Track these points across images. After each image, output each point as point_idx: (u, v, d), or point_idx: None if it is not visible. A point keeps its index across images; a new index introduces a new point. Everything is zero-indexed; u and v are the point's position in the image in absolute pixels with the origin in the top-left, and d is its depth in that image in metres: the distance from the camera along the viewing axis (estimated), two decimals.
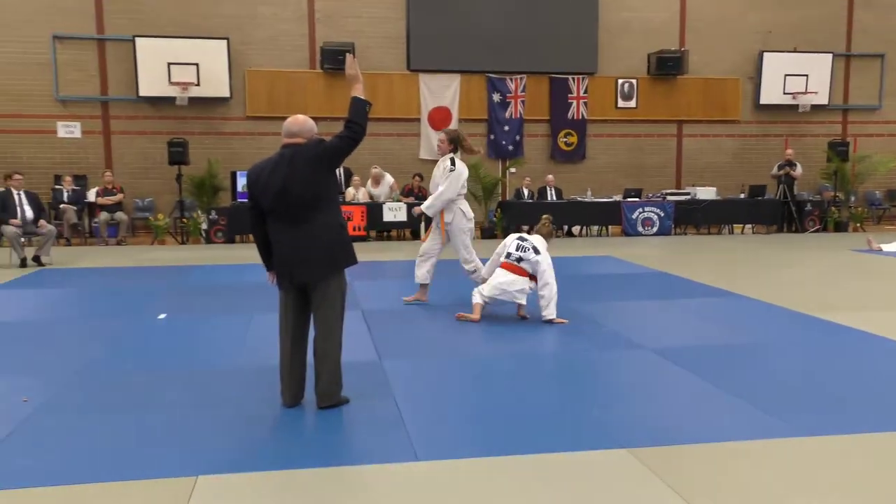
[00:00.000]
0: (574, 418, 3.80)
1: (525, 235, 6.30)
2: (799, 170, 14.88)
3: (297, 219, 3.81)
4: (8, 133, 14.23)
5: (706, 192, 14.73)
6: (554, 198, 14.39)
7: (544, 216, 6.51)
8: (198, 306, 6.88)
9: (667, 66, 15.97)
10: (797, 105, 16.80)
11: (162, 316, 6.43)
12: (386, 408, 3.96)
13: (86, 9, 14.26)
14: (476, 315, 6.18)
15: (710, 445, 3.42)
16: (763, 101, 16.75)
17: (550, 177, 14.76)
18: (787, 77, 16.59)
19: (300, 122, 3.92)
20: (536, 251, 6.09)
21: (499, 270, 6.21)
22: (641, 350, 5.21)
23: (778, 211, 14.77)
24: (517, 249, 6.16)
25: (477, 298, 6.22)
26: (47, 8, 14.11)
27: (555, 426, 3.68)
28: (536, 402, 4.10)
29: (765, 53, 16.55)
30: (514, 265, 6.12)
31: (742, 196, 15.17)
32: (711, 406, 4.01)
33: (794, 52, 16.65)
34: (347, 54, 4.18)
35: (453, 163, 6.80)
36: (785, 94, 16.69)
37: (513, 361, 4.94)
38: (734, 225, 15.09)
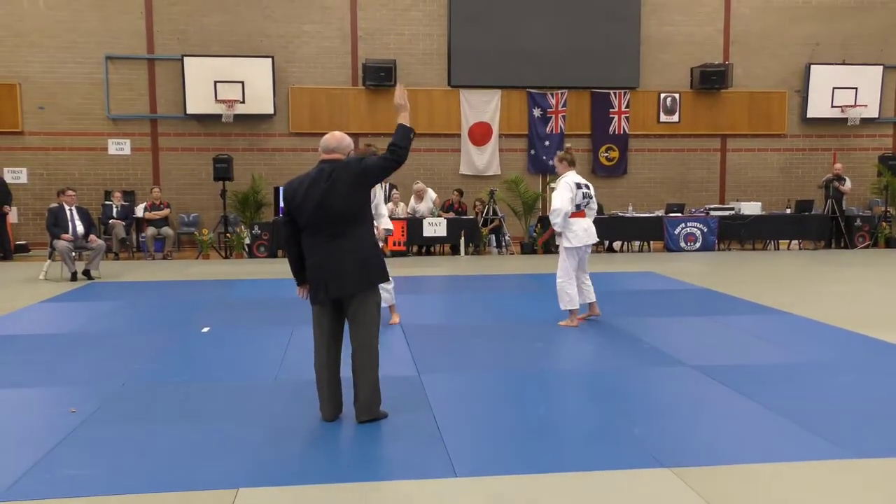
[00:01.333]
0: (615, 436, 3.75)
1: (579, 180, 6.66)
2: (848, 184, 14.52)
3: (335, 233, 3.86)
4: (63, 150, 14.70)
5: (751, 208, 14.47)
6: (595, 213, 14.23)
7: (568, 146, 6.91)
8: (240, 320, 6.98)
9: (710, 80, 15.77)
10: (846, 118, 16.41)
11: (206, 329, 6.54)
12: (424, 423, 3.95)
13: (137, 30, 14.69)
14: (575, 321, 6.57)
15: (756, 466, 3.33)
16: (810, 114, 16.41)
17: None
18: (836, 90, 16.23)
19: (338, 139, 3.99)
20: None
21: (577, 220, 6.59)
22: (683, 367, 5.12)
23: (826, 226, 14.42)
24: (583, 198, 6.64)
25: (574, 302, 6.52)
26: (101, 30, 14.58)
27: (596, 444, 3.64)
28: (577, 418, 4.06)
29: (812, 66, 16.23)
30: (583, 211, 6.65)
31: (788, 211, 14.86)
32: (757, 426, 3.91)
33: (843, 64, 16.29)
34: (398, 84, 4.22)
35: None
36: (833, 107, 16.32)
37: (553, 377, 4.90)
38: (780, 241, 14.77)
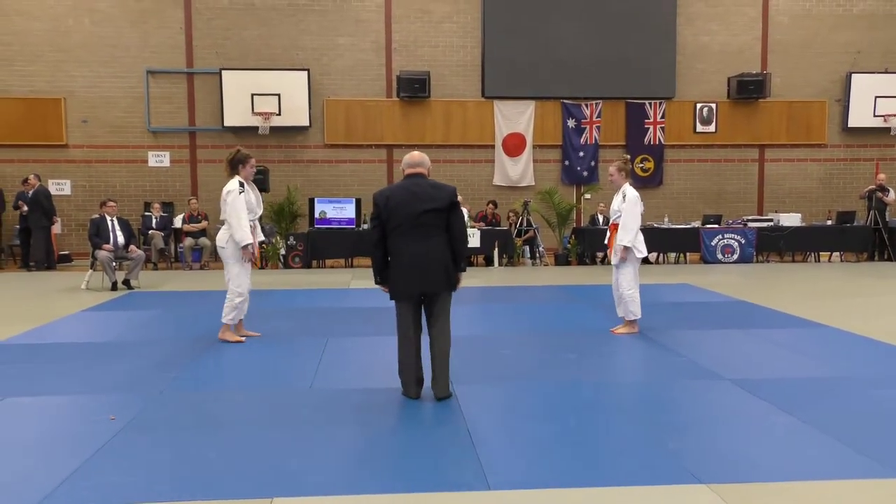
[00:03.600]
0: (650, 450, 3.70)
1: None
2: (892, 195, 14.19)
3: (428, 236, 4.52)
4: (105, 163, 15.06)
5: (790, 219, 14.23)
6: None
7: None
8: (275, 329, 7.05)
9: (748, 90, 15.58)
10: (889, 128, 16.06)
11: (242, 339, 6.62)
12: (458, 435, 3.95)
13: (177, 44, 15.02)
14: (636, 328, 6.73)
15: (795, 484, 3.26)
16: (851, 123, 16.10)
17: None
18: (878, 99, 15.91)
19: (420, 156, 4.72)
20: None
21: (639, 233, 6.70)
22: (720, 381, 5.04)
23: (868, 238, 14.11)
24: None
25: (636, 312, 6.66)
26: (142, 45, 14.93)
27: (631, 458, 3.60)
28: (611, 432, 4.02)
29: (853, 75, 15.94)
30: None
31: (829, 222, 14.58)
32: (796, 441, 3.83)
33: (886, 72, 15.97)
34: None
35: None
36: (875, 116, 16.00)
37: (588, 390, 4.86)
38: (821, 252, 14.48)
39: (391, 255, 4.60)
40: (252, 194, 6.47)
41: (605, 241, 7.04)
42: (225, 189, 6.36)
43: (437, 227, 4.54)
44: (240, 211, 6.27)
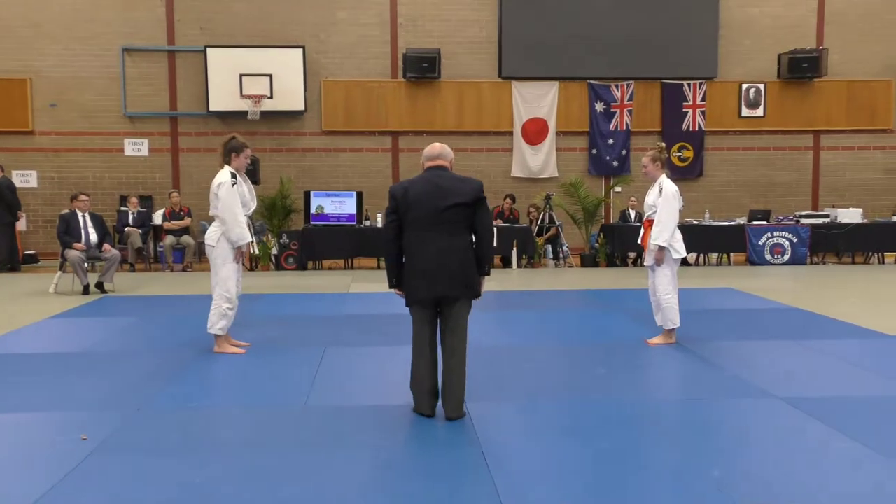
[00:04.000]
0: (690, 478, 3.68)
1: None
2: None
3: (448, 233, 4.58)
4: (76, 151, 15.16)
5: (850, 214, 14.15)
6: None
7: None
8: (266, 339, 7.07)
9: (801, 68, 15.49)
10: None
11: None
12: (471, 457, 3.94)
13: (157, 19, 15.10)
14: (674, 339, 6.72)
15: None
16: None
17: None
18: None
19: (441, 147, 4.80)
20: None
21: (677, 231, 6.69)
22: (770, 399, 5.01)
23: None
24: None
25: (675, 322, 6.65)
26: (118, 20, 15.02)
27: (667, 486, 3.58)
28: (647, 456, 4.00)
29: None
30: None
31: (895, 219, 14.47)
32: (860, 469, 3.80)
33: None
34: None
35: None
36: None
37: (617, 408, 4.84)
38: (885, 253, 14.39)
39: (406, 255, 4.66)
40: (245, 186, 6.49)
41: (639, 240, 7.00)
42: (215, 181, 6.37)
43: (460, 224, 4.60)
44: (234, 205, 6.28)
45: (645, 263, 6.87)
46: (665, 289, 6.65)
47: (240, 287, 6.60)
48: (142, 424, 4.58)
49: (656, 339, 6.80)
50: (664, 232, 6.53)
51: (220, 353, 6.44)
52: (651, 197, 6.73)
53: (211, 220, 6.49)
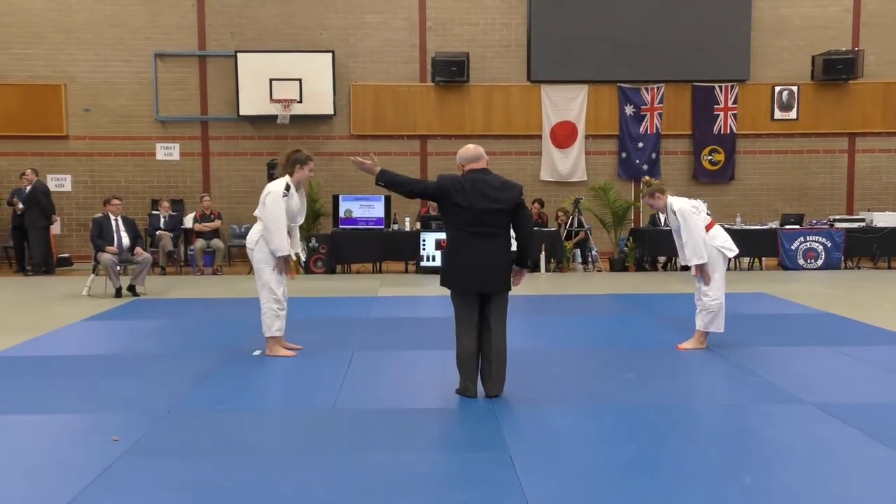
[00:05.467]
0: (721, 485, 3.65)
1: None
2: None
3: (489, 236, 4.97)
4: (108, 156, 15.38)
5: (886, 218, 13.94)
6: None
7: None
8: (295, 342, 7.11)
9: (836, 70, 15.29)
10: None
11: (257, 352, 6.69)
12: (499, 463, 3.93)
13: (188, 25, 15.28)
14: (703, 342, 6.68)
15: None
16: None
17: None
18: None
19: (477, 149, 5.12)
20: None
21: (719, 229, 6.71)
22: (803, 405, 4.95)
23: None
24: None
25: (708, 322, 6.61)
26: (150, 26, 15.23)
27: (699, 494, 3.55)
28: (675, 462, 3.97)
29: None
30: None
31: None
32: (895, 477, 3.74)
33: None
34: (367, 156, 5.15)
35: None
36: None
37: (650, 414, 4.81)
38: None
39: (451, 250, 5.11)
40: (296, 199, 6.55)
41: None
42: (266, 188, 6.44)
43: (500, 226, 5.01)
44: (279, 217, 6.32)
45: (696, 283, 6.74)
46: (717, 294, 6.53)
47: (286, 289, 6.65)
48: (173, 426, 4.63)
49: (687, 344, 6.74)
50: (697, 248, 6.41)
51: (272, 356, 6.49)
52: (673, 224, 6.61)
53: (247, 222, 6.57)
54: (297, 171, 6.48)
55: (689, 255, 6.45)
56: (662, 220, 13.93)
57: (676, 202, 6.56)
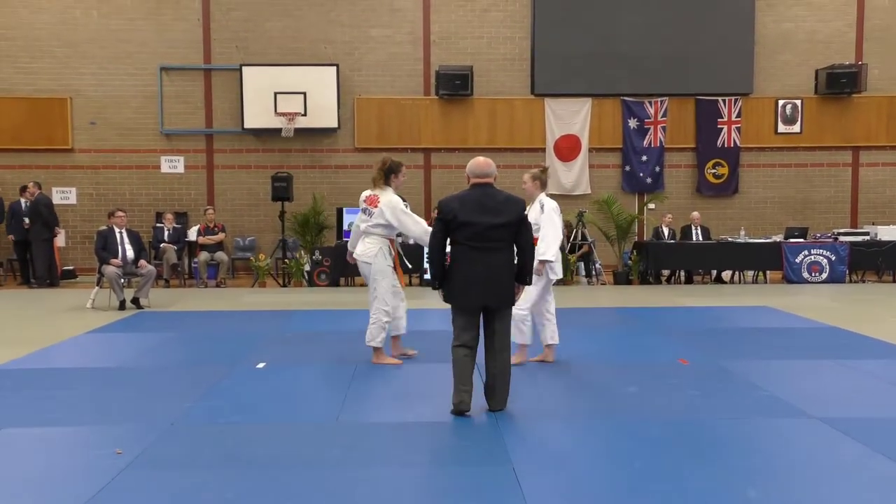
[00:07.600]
0: (726, 499, 3.63)
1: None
2: None
3: (494, 250, 4.98)
4: (113, 168, 15.44)
5: (890, 232, 13.91)
6: (700, 238, 13.99)
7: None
8: (299, 355, 7.12)
9: (839, 84, 15.32)
10: None
11: (261, 365, 6.69)
12: (502, 477, 3.92)
13: (193, 39, 15.37)
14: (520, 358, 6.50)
15: None
16: None
17: (696, 214, 14.38)
18: None
19: (486, 163, 5.10)
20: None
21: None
22: (808, 419, 4.94)
23: None
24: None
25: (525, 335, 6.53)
26: (155, 40, 15.32)
27: None
28: (679, 476, 3.95)
29: None
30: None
31: None
32: None
33: None
34: None
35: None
36: None
37: (651, 427, 4.79)
38: None
39: (455, 264, 5.05)
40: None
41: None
42: (390, 203, 6.50)
43: (504, 241, 5.01)
44: (421, 222, 6.59)
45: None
46: (522, 305, 6.17)
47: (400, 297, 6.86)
48: (176, 439, 4.63)
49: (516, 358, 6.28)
50: (551, 246, 6.38)
51: (378, 364, 6.63)
52: (533, 214, 6.49)
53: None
54: (392, 179, 6.63)
55: (543, 249, 6.29)
56: (666, 234, 13.97)
57: (547, 199, 6.58)
